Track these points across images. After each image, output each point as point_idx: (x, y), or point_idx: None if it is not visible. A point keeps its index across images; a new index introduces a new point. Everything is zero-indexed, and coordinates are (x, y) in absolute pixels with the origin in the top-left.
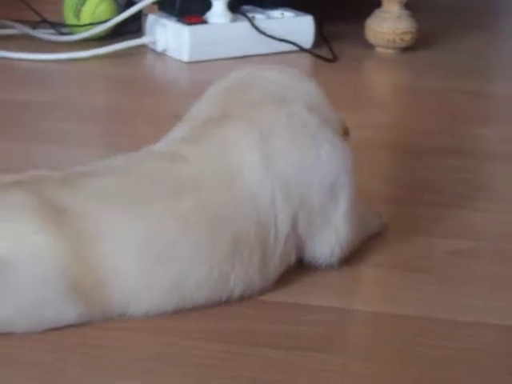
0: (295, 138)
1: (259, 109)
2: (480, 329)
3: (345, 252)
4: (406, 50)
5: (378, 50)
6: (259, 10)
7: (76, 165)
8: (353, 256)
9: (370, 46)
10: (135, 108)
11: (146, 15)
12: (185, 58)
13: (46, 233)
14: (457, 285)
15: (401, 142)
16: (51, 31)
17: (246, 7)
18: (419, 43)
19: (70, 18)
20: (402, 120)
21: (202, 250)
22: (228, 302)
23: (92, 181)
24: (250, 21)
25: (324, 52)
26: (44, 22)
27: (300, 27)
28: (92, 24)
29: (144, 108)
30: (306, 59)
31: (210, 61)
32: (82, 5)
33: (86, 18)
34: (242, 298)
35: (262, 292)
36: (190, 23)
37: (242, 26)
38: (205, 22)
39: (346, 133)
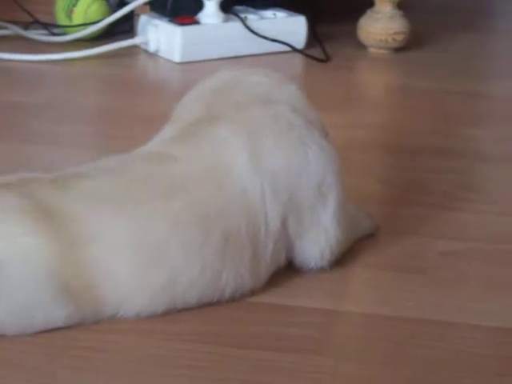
0: (282, 139)
1: (246, 110)
2: (472, 330)
3: (335, 254)
4: (398, 50)
5: (371, 50)
6: (251, 10)
7: (69, 166)
8: (344, 257)
9: (362, 47)
10: (127, 108)
11: (138, 16)
12: (177, 58)
13: (36, 234)
14: (449, 286)
15: (393, 143)
16: (43, 32)
17: (238, 7)
18: (412, 43)
19: (61, 19)
20: (395, 120)
21: (193, 248)
22: (218, 303)
23: (84, 182)
24: (243, 21)
25: (316, 52)
26: (36, 23)
27: (292, 27)
28: (84, 24)
29: (136, 108)
30: (299, 59)
31: (203, 61)
32: (74, 5)
33: (77, 18)
34: (232, 300)
35: (253, 293)
36: (181, 24)
37: (235, 26)
38: (197, 22)
39: (326, 135)
